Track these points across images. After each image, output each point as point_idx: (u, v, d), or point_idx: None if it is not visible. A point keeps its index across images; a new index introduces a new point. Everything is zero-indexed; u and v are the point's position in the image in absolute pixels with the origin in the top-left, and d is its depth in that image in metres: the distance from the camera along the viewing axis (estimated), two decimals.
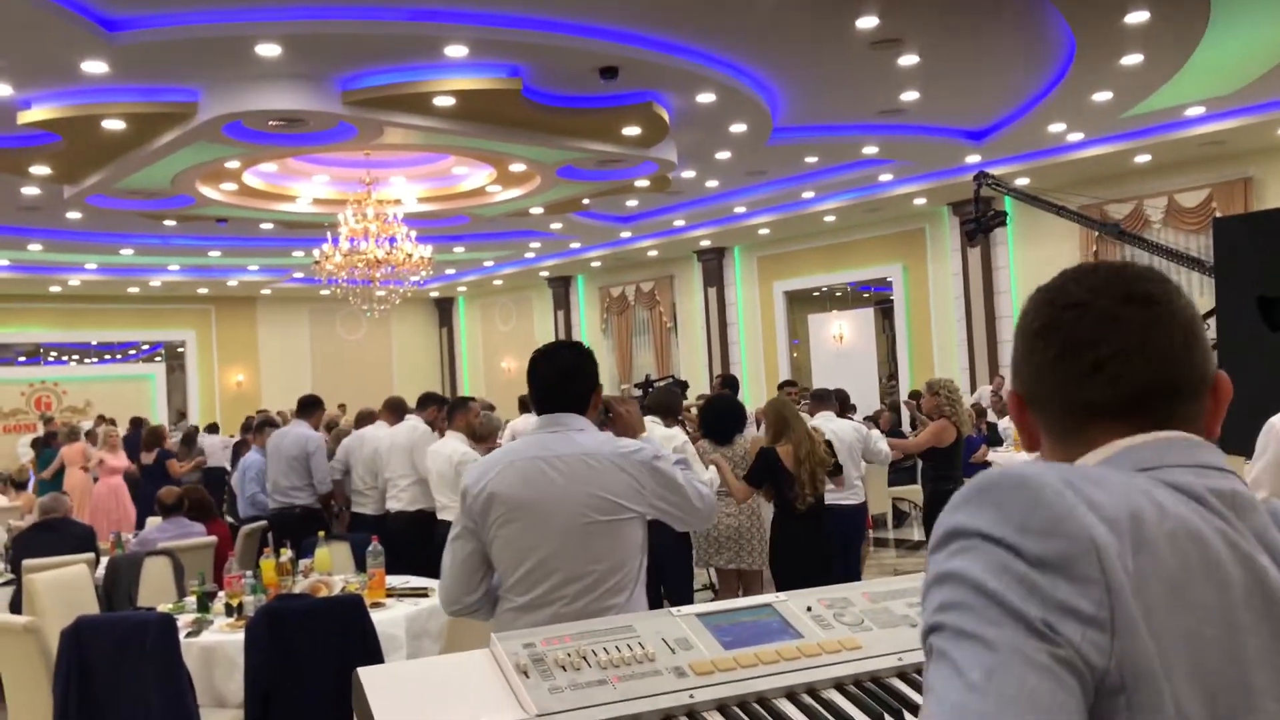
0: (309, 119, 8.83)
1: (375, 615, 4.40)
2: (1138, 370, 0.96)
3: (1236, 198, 12.13)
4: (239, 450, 10.69)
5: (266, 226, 13.99)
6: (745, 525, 6.12)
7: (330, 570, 5.29)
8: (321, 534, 5.53)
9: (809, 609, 1.90)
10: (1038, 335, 1.00)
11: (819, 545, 5.72)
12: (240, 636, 4.21)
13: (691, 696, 1.67)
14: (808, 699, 1.71)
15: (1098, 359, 0.96)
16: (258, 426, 8.81)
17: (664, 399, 6.54)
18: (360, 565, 5.50)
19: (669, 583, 5.88)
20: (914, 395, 12.24)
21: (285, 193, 12.54)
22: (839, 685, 1.75)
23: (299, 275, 18.36)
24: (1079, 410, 0.97)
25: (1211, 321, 4.16)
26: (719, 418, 6.30)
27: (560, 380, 2.77)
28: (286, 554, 5.23)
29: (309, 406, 7.95)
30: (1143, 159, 12.25)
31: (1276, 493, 2.61)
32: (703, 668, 1.72)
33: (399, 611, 4.72)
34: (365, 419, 8.54)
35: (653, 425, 5.94)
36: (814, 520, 5.69)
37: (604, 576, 2.61)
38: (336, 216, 11.71)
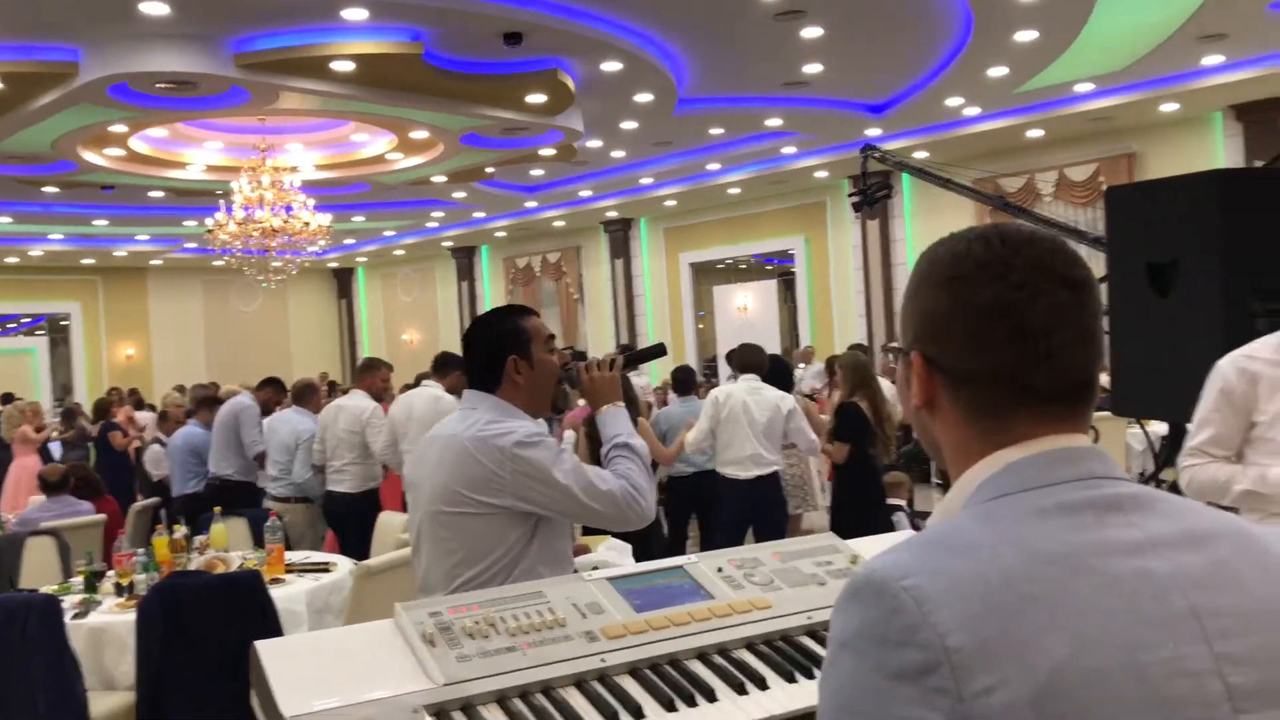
0: (199, 82, 8.49)
1: (275, 591, 4.29)
2: (1080, 360, 0.97)
3: (1121, 172, 12.56)
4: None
5: (156, 194, 13.46)
6: (801, 472, 6.60)
7: (227, 547, 5.15)
8: (218, 509, 5.37)
9: (720, 570, 1.90)
10: (985, 311, 0.96)
11: (883, 497, 6.16)
12: (131, 617, 4.07)
13: (603, 660, 1.66)
14: (719, 659, 1.72)
15: (1050, 346, 0.95)
16: (203, 401, 8.47)
17: (747, 356, 6.18)
18: (259, 541, 5.36)
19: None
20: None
21: (176, 159, 12.07)
22: (750, 644, 1.76)
23: (191, 245, 17.74)
24: (1018, 393, 0.97)
25: (1104, 287, 4.29)
26: (774, 376, 6.52)
27: (468, 358, 2.60)
28: (181, 530, 5.06)
29: (264, 383, 8.05)
30: (1035, 134, 12.60)
31: (1223, 431, 2.68)
32: (614, 631, 1.71)
33: (300, 587, 4.61)
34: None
35: (750, 384, 5.91)
36: (877, 475, 6.10)
37: (454, 572, 2.36)
38: (230, 184, 11.33)
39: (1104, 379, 6.37)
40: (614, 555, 3.25)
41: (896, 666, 0.82)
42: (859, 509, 5.86)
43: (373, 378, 7.01)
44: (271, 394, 8.00)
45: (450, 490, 2.36)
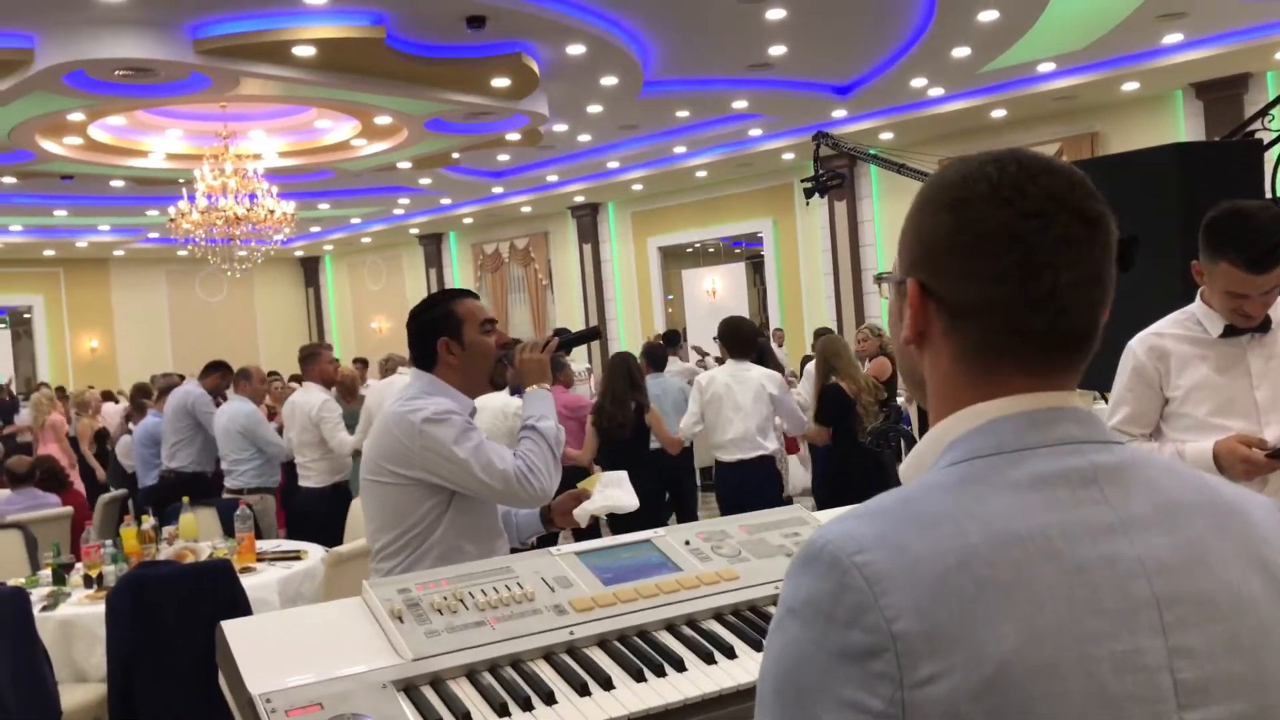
0: (158, 69, 8.38)
1: (246, 580, 4.27)
2: (1086, 302, 0.90)
3: (1084, 151, 12.66)
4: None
5: (117, 184, 13.29)
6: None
7: (196, 536, 5.11)
8: (185, 499, 5.32)
9: (687, 543, 1.91)
10: (990, 238, 0.89)
11: (874, 472, 6.08)
12: (101, 608, 4.03)
13: (571, 633, 1.67)
14: (687, 630, 1.73)
15: (1057, 284, 0.87)
16: (164, 391, 8.22)
17: (732, 331, 6.10)
18: (228, 530, 5.33)
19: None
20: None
21: (136, 147, 11.91)
22: (718, 615, 1.77)
23: (154, 235, 17.53)
24: (1013, 335, 0.90)
25: None
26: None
27: (409, 340, 2.70)
28: (149, 521, 5.03)
29: (210, 368, 7.51)
30: (999, 114, 12.67)
31: (1138, 410, 2.71)
32: (583, 604, 1.72)
33: (271, 575, 4.60)
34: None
35: (733, 366, 5.84)
36: (865, 450, 6.08)
37: (374, 537, 2.56)
38: (192, 172, 11.19)
39: None
40: (614, 489, 2.95)
41: (841, 645, 0.79)
42: (842, 493, 5.79)
43: (318, 365, 6.68)
44: (219, 380, 7.52)
45: (373, 460, 2.52)
